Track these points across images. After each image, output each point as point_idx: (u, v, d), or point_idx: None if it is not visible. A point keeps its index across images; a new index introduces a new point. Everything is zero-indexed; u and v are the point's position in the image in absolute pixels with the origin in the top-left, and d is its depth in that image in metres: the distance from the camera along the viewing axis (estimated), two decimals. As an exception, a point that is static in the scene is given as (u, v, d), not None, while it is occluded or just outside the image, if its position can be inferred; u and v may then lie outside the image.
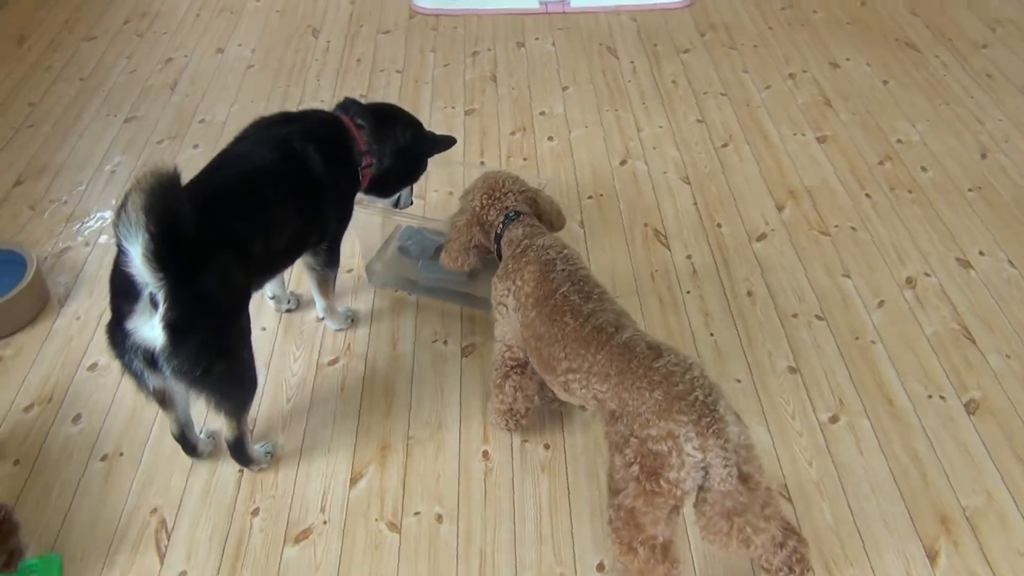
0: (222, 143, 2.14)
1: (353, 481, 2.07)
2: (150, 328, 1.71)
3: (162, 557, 1.92)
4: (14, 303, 2.45)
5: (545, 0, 4.05)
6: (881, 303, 2.50)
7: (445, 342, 2.42)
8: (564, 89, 3.50)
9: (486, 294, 2.05)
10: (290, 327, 2.47)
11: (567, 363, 1.75)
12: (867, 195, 2.90)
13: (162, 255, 1.62)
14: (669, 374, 1.59)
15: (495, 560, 1.90)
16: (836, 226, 2.78)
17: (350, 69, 3.67)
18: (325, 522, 1.99)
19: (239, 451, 2.02)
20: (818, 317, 2.46)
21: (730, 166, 3.05)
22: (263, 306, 2.51)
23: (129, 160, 3.17)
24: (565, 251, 1.89)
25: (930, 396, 2.23)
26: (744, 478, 1.57)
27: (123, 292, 1.72)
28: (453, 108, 3.39)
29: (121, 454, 2.14)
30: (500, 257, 2.00)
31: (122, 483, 2.08)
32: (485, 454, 2.13)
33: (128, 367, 1.79)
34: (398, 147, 2.25)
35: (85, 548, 1.94)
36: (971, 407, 2.20)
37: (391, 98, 3.43)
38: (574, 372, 1.74)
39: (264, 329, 2.46)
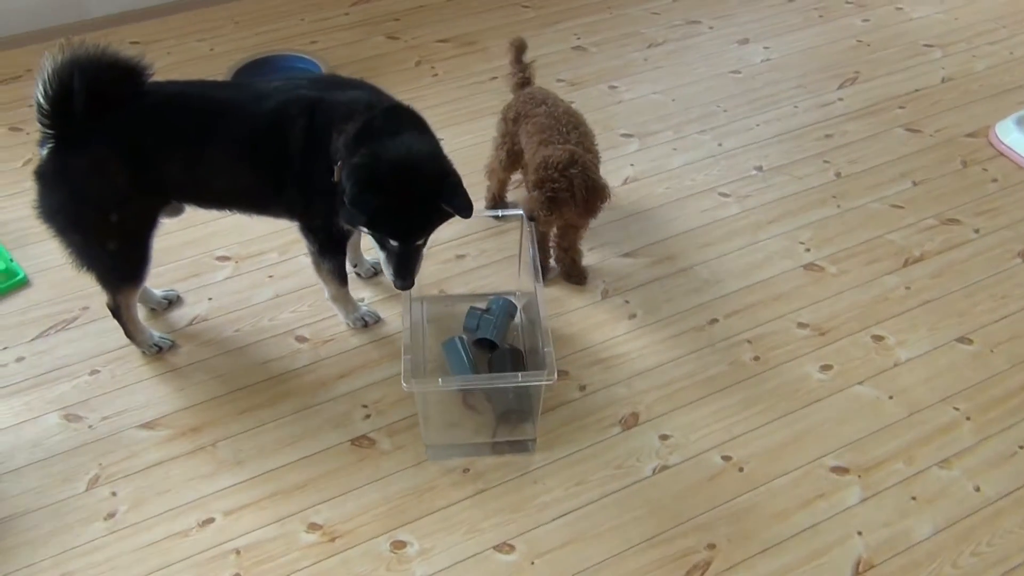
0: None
1: (147, 426, 2.03)
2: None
3: (43, 337, 2.22)
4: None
5: None
6: None
7: (368, 415, 2.05)
8: (964, 340, 2.25)
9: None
10: (342, 289, 2.34)
11: None
12: None
13: (49, 114, 1.77)
14: None
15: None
16: None
17: (799, 136, 2.87)
18: (91, 427, 2.02)
19: (116, 319, 2.11)
20: None
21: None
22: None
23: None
24: None
25: None
26: None
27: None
28: (808, 252, 2.46)
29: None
30: None
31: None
32: (204, 522, 1.85)
33: None
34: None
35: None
36: None
37: (775, 203, 2.65)
38: None
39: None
